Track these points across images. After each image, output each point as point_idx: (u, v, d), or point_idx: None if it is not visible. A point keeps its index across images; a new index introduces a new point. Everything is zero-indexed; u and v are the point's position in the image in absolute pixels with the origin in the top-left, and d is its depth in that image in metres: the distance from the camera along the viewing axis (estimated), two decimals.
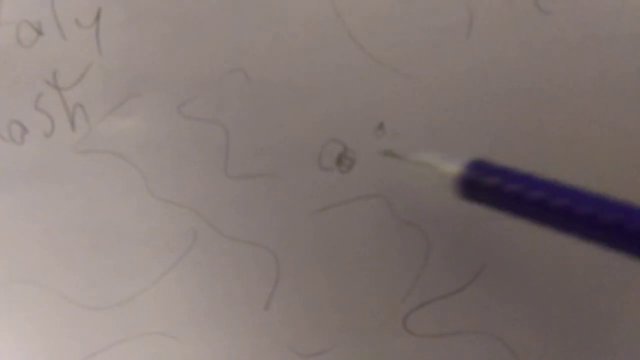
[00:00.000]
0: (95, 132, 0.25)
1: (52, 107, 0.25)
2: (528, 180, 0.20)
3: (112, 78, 0.25)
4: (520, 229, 0.26)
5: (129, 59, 0.24)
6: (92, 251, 0.25)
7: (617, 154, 0.25)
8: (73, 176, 0.25)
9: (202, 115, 0.25)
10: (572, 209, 0.18)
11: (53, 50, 0.25)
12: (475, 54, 0.24)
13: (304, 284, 0.25)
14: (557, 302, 0.25)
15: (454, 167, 0.22)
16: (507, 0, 0.24)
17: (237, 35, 0.24)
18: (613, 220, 0.17)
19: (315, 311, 0.25)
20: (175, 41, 0.24)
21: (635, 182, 0.25)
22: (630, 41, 0.24)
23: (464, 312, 0.25)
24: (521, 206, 0.20)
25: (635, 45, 0.24)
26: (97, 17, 0.24)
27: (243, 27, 0.24)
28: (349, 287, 0.25)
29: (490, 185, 0.20)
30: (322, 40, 0.24)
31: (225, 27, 0.24)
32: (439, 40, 0.24)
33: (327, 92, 0.25)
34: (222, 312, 0.25)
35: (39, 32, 0.25)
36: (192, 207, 0.25)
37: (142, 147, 0.25)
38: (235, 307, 0.25)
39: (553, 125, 0.25)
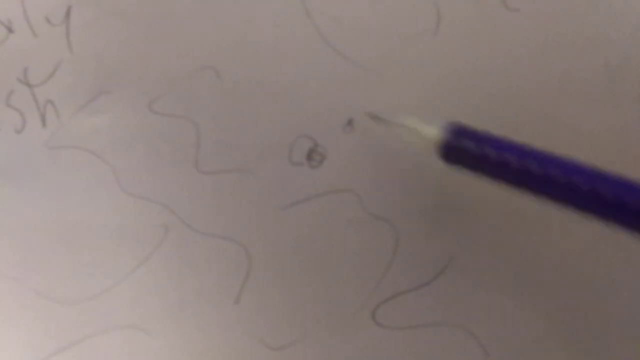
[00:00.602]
0: (66, 129, 0.25)
1: (23, 103, 0.25)
2: (506, 145, 0.20)
3: (82, 75, 0.24)
4: (488, 222, 0.26)
5: (99, 56, 0.24)
6: (63, 246, 0.25)
7: (581, 153, 0.25)
8: (44, 172, 0.25)
9: (173, 111, 0.25)
10: (549, 176, 0.19)
11: (24, 47, 0.24)
12: (443, 51, 0.25)
13: (274, 278, 0.25)
14: (524, 294, 0.25)
15: (435, 132, 0.22)
16: None
17: (208, 33, 0.24)
18: (589, 188, 0.18)
19: (285, 304, 0.25)
20: (145, 39, 0.24)
21: None
22: (597, 39, 0.25)
23: (432, 305, 0.25)
24: (501, 171, 0.20)
25: (602, 44, 0.25)
26: (67, 15, 0.24)
27: (213, 25, 0.24)
28: (318, 280, 0.25)
29: (472, 150, 0.20)
30: (292, 39, 0.25)
31: (196, 25, 0.24)
32: (407, 38, 0.25)
33: (297, 89, 0.25)
34: (193, 305, 0.25)
35: (10, 30, 0.24)
36: (163, 203, 0.25)
37: (113, 143, 0.25)
38: (206, 301, 0.25)
39: (519, 123, 0.25)
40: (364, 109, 0.25)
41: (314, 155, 0.25)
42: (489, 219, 0.25)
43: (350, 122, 0.25)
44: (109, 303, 0.25)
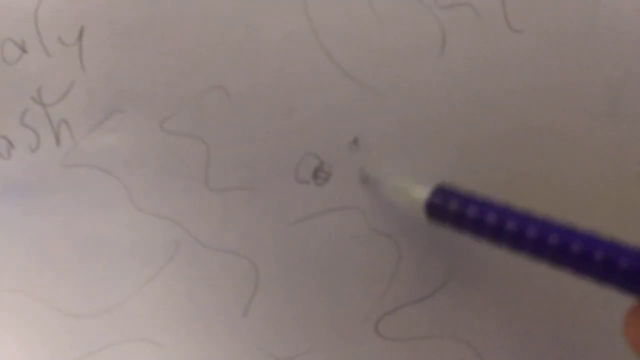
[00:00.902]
0: (79, 147, 0.25)
1: (37, 122, 0.25)
2: (485, 205, 0.21)
3: (95, 94, 0.25)
4: None
5: (111, 76, 0.25)
6: (78, 261, 0.26)
7: (583, 168, 0.26)
8: (59, 189, 0.25)
9: (184, 130, 0.25)
10: (523, 233, 0.20)
11: (37, 67, 0.25)
12: (448, 72, 0.25)
13: (281, 292, 0.26)
14: (522, 308, 0.26)
15: (422, 192, 0.23)
16: (479, 20, 0.25)
17: (217, 53, 0.25)
18: (558, 244, 0.19)
19: (292, 317, 0.26)
20: (156, 59, 0.25)
21: (600, 194, 0.25)
22: (598, 58, 0.25)
23: (432, 318, 0.26)
24: (479, 229, 0.21)
25: (603, 62, 0.25)
26: (80, 35, 0.25)
27: (223, 45, 0.25)
28: (324, 294, 0.26)
29: (453, 210, 0.22)
30: (299, 59, 0.25)
31: (206, 45, 0.25)
32: (413, 58, 0.25)
33: (304, 108, 0.25)
34: (203, 318, 0.26)
35: (23, 50, 0.25)
36: (174, 219, 0.26)
37: (126, 162, 0.25)
38: (215, 314, 0.26)
39: (524, 141, 0.25)
40: (370, 128, 0.25)
41: (319, 174, 0.26)
42: None
43: (355, 141, 0.25)
44: (121, 316, 0.26)
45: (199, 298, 0.26)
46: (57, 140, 0.25)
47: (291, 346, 0.26)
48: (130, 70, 0.25)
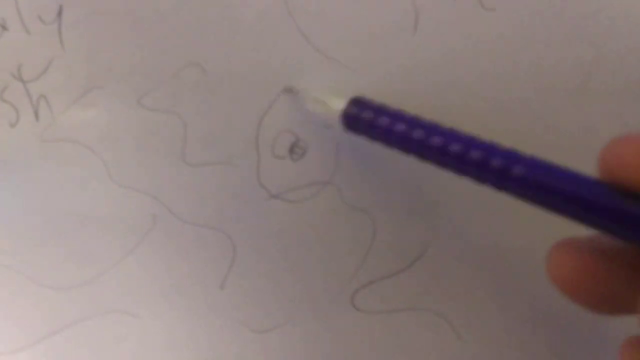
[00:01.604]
0: (58, 122, 0.25)
1: (17, 98, 0.25)
2: (396, 116, 0.22)
3: (74, 71, 0.25)
4: (461, 213, 0.27)
5: (90, 53, 0.25)
6: (55, 235, 0.26)
7: (554, 147, 0.26)
8: (38, 164, 0.25)
9: (161, 106, 0.25)
10: (428, 141, 0.21)
11: (17, 44, 0.25)
12: (422, 50, 0.25)
13: (257, 265, 0.26)
14: (496, 280, 0.26)
15: (339, 103, 0.24)
16: None
17: (194, 31, 0.25)
18: (458, 150, 0.20)
19: (268, 290, 0.26)
20: (134, 36, 0.25)
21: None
22: (571, 36, 0.25)
23: (407, 291, 0.26)
24: (390, 137, 0.22)
25: (576, 40, 0.25)
26: (59, 13, 0.25)
27: (199, 23, 0.25)
28: (300, 267, 0.26)
29: (366, 119, 0.23)
30: (274, 37, 0.25)
31: (183, 23, 0.25)
32: (387, 37, 0.25)
33: (279, 86, 0.25)
34: (180, 291, 0.26)
35: (4, 28, 0.25)
36: (152, 193, 0.26)
37: (104, 137, 0.25)
38: (192, 287, 0.26)
39: (493, 117, 0.25)
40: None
41: (295, 149, 0.26)
42: (461, 209, 0.26)
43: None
44: (99, 289, 0.26)
45: (176, 271, 0.26)
46: (36, 116, 0.25)
47: (268, 319, 0.26)
48: (108, 48, 0.25)
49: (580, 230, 0.18)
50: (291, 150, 0.26)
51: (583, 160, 0.26)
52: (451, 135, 0.21)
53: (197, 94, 0.25)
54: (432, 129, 0.21)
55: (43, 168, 0.26)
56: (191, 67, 0.25)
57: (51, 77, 0.25)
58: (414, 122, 0.22)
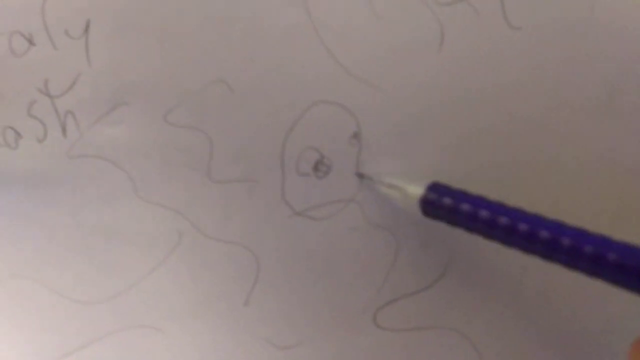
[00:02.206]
0: (85, 138, 0.25)
1: (44, 113, 0.25)
2: (477, 202, 0.22)
3: (101, 87, 0.25)
4: None
5: (117, 68, 0.25)
6: (83, 250, 0.26)
7: (580, 164, 0.25)
8: (65, 179, 0.25)
9: (187, 123, 0.25)
10: (515, 228, 0.20)
11: (44, 59, 0.25)
12: (446, 68, 0.25)
13: (281, 282, 0.26)
14: (518, 299, 0.26)
15: (417, 190, 0.23)
16: (478, 16, 0.25)
17: (220, 47, 0.25)
18: (548, 238, 0.20)
19: (292, 307, 0.26)
20: (161, 53, 0.25)
21: (596, 193, 0.25)
22: (597, 55, 0.25)
23: (429, 309, 0.26)
24: (472, 223, 0.22)
25: (601, 60, 0.25)
26: (86, 28, 0.25)
27: (226, 40, 0.25)
28: (323, 284, 0.26)
29: (447, 205, 0.22)
30: (299, 54, 0.25)
31: (209, 39, 0.25)
32: (412, 54, 0.25)
33: (305, 103, 0.25)
34: (204, 307, 0.26)
35: (31, 43, 0.25)
36: (177, 210, 0.26)
37: (130, 153, 0.25)
38: (216, 303, 0.26)
39: (520, 137, 0.25)
40: (369, 123, 0.25)
41: (320, 167, 0.25)
42: None
43: (355, 135, 0.25)
44: (125, 304, 0.26)
45: (201, 287, 0.26)
46: (64, 131, 0.25)
47: (290, 335, 0.26)
48: (134, 64, 0.25)
49: None
50: (315, 167, 0.26)
51: (606, 178, 0.26)
52: (537, 221, 0.20)
53: (222, 111, 0.25)
54: (517, 215, 0.21)
55: (70, 184, 0.26)
56: (217, 83, 0.25)
57: (78, 92, 0.25)
58: (497, 208, 0.21)
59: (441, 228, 0.26)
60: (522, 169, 0.25)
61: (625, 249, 0.18)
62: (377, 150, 0.25)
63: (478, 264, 0.26)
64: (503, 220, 0.21)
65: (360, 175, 0.25)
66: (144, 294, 0.26)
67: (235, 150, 0.25)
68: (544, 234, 0.20)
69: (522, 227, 0.20)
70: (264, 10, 0.25)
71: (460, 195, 0.22)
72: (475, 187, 0.25)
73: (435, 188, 0.23)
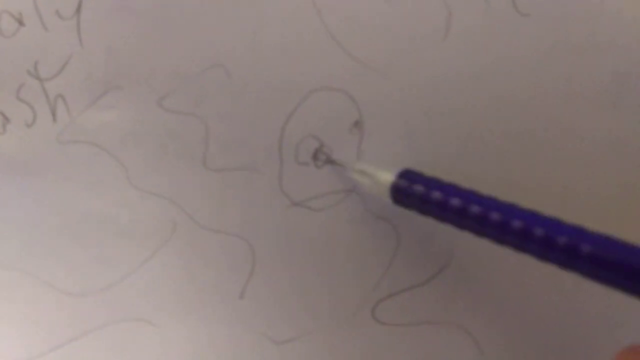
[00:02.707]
0: (76, 123, 0.24)
1: (33, 97, 0.24)
2: (449, 189, 0.21)
3: (93, 70, 0.24)
4: None
5: (109, 51, 0.24)
6: (74, 239, 0.25)
7: (586, 156, 0.25)
8: (54, 166, 0.24)
9: (182, 108, 0.24)
10: (487, 217, 0.20)
11: (34, 41, 0.24)
12: (453, 56, 0.24)
13: (277, 274, 0.25)
14: (520, 295, 0.25)
15: (387, 176, 0.23)
16: (486, 3, 0.24)
17: (218, 31, 0.24)
18: (521, 227, 0.19)
19: (288, 300, 0.25)
20: (156, 35, 0.24)
21: (602, 186, 0.25)
22: (606, 46, 0.24)
23: (429, 303, 0.25)
24: (443, 212, 0.21)
25: (610, 51, 0.24)
26: (78, 9, 0.23)
27: (224, 23, 0.24)
28: (321, 277, 0.25)
29: (417, 193, 0.22)
30: (302, 38, 0.24)
31: (206, 23, 0.24)
32: (417, 41, 0.24)
33: (305, 89, 0.24)
34: (199, 299, 0.25)
35: (20, 23, 0.24)
36: (172, 198, 0.25)
37: (123, 139, 0.24)
38: (211, 295, 0.25)
39: (526, 126, 0.24)
40: (372, 111, 0.24)
41: (319, 156, 0.25)
42: None
43: (356, 124, 0.24)
44: (118, 296, 0.25)
45: (195, 279, 0.25)
46: (54, 116, 0.24)
47: (287, 329, 0.25)
48: (128, 46, 0.24)
49: None
50: (315, 156, 0.25)
51: (613, 171, 0.25)
52: (510, 210, 0.19)
53: (220, 97, 0.24)
54: (489, 203, 0.20)
55: (60, 170, 0.24)
56: (215, 68, 0.24)
57: (69, 75, 0.24)
58: (469, 197, 0.20)
59: None
60: (529, 159, 0.25)
61: (600, 239, 0.18)
62: (379, 139, 0.24)
63: (480, 258, 0.25)
64: (475, 209, 0.20)
65: (332, 162, 0.24)
66: (136, 286, 0.25)
67: (232, 137, 0.24)
68: (517, 223, 0.19)
69: (494, 216, 0.19)
70: None
71: (432, 183, 0.22)
72: (480, 178, 0.24)
73: (407, 175, 0.22)
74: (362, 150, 0.25)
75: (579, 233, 0.18)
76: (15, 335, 0.25)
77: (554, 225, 0.18)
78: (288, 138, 0.24)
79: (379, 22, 0.24)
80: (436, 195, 0.21)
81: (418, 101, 0.24)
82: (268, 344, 0.25)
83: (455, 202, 0.20)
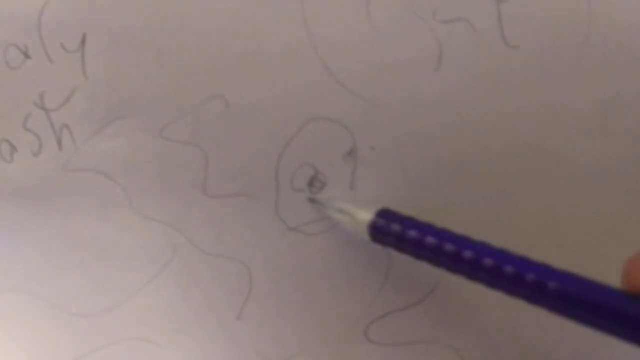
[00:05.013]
0: (81, 152, 0.24)
1: (39, 127, 0.24)
2: (424, 229, 0.21)
3: (97, 101, 0.24)
4: None
5: (113, 83, 0.24)
6: (78, 263, 0.25)
7: (574, 183, 0.25)
8: (60, 193, 0.24)
9: (183, 138, 0.24)
10: (460, 255, 0.20)
11: (40, 73, 0.24)
12: (444, 86, 0.24)
13: (274, 296, 0.25)
14: (509, 315, 0.25)
15: (366, 215, 0.23)
16: (476, 35, 0.24)
17: (217, 63, 0.24)
18: (492, 266, 0.19)
19: (284, 321, 0.25)
20: (157, 67, 0.24)
21: (588, 210, 0.25)
22: (592, 75, 0.24)
23: (420, 323, 0.25)
24: (419, 250, 0.21)
25: (596, 79, 0.24)
26: (82, 42, 0.23)
27: (223, 55, 0.24)
28: (315, 299, 0.25)
29: (394, 232, 0.22)
30: (298, 70, 0.24)
31: (206, 54, 0.24)
32: (410, 72, 0.24)
33: (301, 119, 0.24)
34: (198, 320, 0.25)
35: (26, 55, 0.24)
36: (172, 224, 0.25)
37: (126, 167, 0.24)
38: (210, 316, 0.25)
39: (516, 156, 0.24)
40: (365, 140, 0.24)
41: (315, 183, 0.24)
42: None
43: (351, 152, 0.24)
44: (120, 316, 0.25)
45: (194, 301, 0.25)
46: (59, 145, 0.24)
47: (282, 349, 0.25)
48: (131, 78, 0.24)
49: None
50: (310, 183, 0.25)
51: (599, 199, 0.26)
52: (482, 249, 0.20)
53: (219, 126, 0.24)
54: (462, 242, 0.20)
55: (65, 197, 0.25)
56: (214, 98, 0.24)
57: (74, 106, 0.24)
58: (444, 235, 0.21)
59: None
60: (518, 188, 0.24)
61: (566, 276, 0.18)
62: (373, 167, 0.24)
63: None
64: (448, 247, 0.20)
65: (312, 201, 0.25)
66: (137, 308, 0.25)
67: (230, 165, 0.24)
68: (488, 261, 0.19)
69: (467, 254, 0.20)
70: (262, 26, 0.23)
71: (408, 222, 0.22)
72: (472, 203, 0.24)
73: (384, 214, 0.23)
74: (356, 177, 0.25)
75: (546, 270, 0.19)
76: (21, 354, 0.25)
77: (522, 262, 0.19)
78: (285, 166, 0.24)
79: (372, 54, 0.24)
80: (412, 234, 0.21)
81: (410, 130, 0.24)
82: None
83: (430, 240, 0.21)
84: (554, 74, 0.24)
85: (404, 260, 0.25)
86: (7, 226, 0.25)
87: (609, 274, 0.25)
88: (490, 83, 0.24)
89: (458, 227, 0.22)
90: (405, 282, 0.25)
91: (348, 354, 0.25)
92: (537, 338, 0.26)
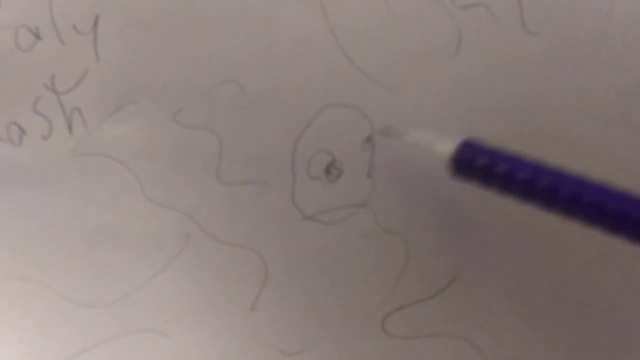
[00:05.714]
0: (92, 137, 0.23)
1: (50, 110, 0.23)
2: (516, 161, 0.19)
3: (109, 84, 0.23)
4: (494, 239, 0.25)
5: (126, 66, 0.23)
6: (88, 251, 0.24)
7: (591, 171, 0.25)
8: (70, 178, 0.24)
9: (197, 123, 0.23)
10: (556, 189, 0.18)
11: (51, 55, 0.23)
12: (463, 73, 0.23)
13: (289, 287, 0.24)
14: (528, 308, 0.25)
15: (446, 147, 0.20)
16: (496, 21, 0.23)
17: (232, 47, 0.23)
18: (593, 200, 0.17)
19: (299, 313, 0.24)
20: (171, 51, 0.23)
21: None
22: (612, 66, 0.24)
23: (438, 316, 0.24)
24: (509, 185, 0.19)
25: (616, 70, 0.24)
26: (95, 24, 0.23)
27: (238, 39, 0.23)
28: (331, 290, 0.24)
29: (481, 166, 0.19)
30: (314, 54, 0.23)
31: (221, 39, 0.23)
32: (429, 58, 0.23)
33: (318, 105, 0.23)
34: (211, 311, 0.24)
35: (38, 37, 0.23)
36: (185, 211, 0.24)
37: (138, 153, 0.23)
38: (223, 307, 0.24)
39: (535, 144, 0.23)
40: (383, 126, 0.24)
41: (332, 170, 0.24)
42: (495, 235, 0.24)
43: (369, 139, 0.24)
44: (131, 307, 0.24)
45: (208, 291, 0.24)
46: (70, 129, 0.23)
47: (298, 341, 0.24)
48: (144, 62, 0.23)
49: None
50: (327, 171, 0.24)
51: (618, 184, 0.25)
52: (581, 182, 0.18)
53: (233, 112, 0.23)
54: (560, 176, 0.18)
55: (76, 182, 0.24)
56: (229, 84, 0.23)
57: (85, 89, 0.23)
58: (539, 169, 0.19)
59: (453, 233, 0.25)
60: None
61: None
62: (391, 154, 0.24)
63: (489, 272, 0.24)
64: (546, 181, 0.18)
65: (385, 132, 0.23)
66: (149, 298, 0.24)
67: (245, 152, 0.23)
68: (589, 198, 0.17)
69: (565, 191, 0.18)
70: (279, 10, 0.23)
71: (498, 155, 0.19)
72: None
73: (468, 146, 0.20)
74: (374, 165, 0.24)
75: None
76: (29, 345, 0.24)
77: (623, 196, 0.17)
78: (301, 153, 0.24)
79: (390, 39, 0.23)
80: (502, 168, 0.19)
81: (429, 117, 0.24)
82: (279, 356, 0.24)
83: (524, 175, 0.19)
84: (574, 62, 0.24)
85: (422, 252, 0.25)
86: (14, 212, 0.24)
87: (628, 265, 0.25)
88: (509, 70, 0.24)
89: None
90: (424, 274, 0.24)
91: (365, 346, 0.25)
92: (556, 332, 0.25)
